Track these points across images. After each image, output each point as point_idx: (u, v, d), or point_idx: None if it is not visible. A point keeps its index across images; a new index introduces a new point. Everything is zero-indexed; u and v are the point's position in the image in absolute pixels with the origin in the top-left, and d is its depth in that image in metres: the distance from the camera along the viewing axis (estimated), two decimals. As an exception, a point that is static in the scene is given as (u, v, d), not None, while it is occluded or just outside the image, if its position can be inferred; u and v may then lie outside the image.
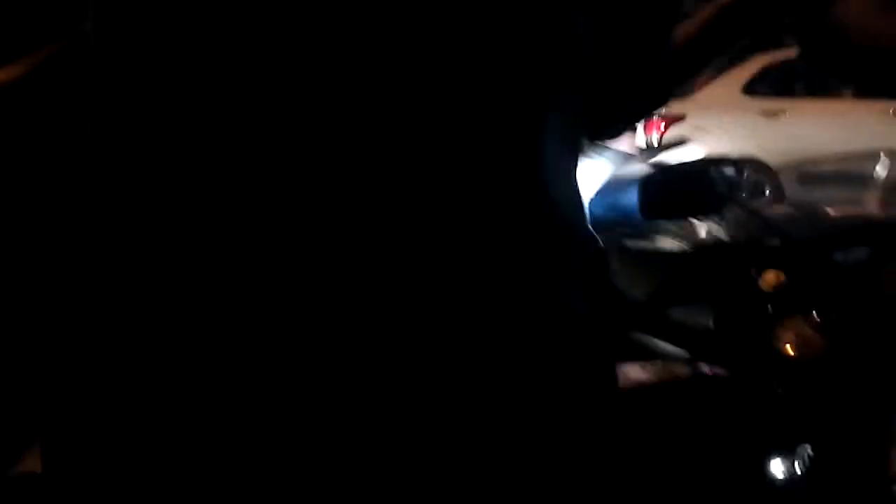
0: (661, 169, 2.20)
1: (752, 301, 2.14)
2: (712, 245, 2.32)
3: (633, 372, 2.29)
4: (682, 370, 2.25)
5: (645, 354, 2.40)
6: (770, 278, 2.11)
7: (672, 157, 4.97)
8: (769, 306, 2.11)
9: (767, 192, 7.56)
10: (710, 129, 8.55)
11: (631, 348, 2.41)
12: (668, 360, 2.32)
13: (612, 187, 2.65)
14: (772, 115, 8.73)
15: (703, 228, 2.41)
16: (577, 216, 1.05)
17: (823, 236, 2.15)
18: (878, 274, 1.97)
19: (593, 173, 2.68)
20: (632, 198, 2.36)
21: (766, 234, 2.22)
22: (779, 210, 2.31)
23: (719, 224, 2.31)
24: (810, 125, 8.38)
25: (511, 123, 0.95)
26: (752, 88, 8.95)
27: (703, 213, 2.28)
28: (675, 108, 8.25)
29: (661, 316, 2.41)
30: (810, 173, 7.78)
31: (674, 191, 2.24)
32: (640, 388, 2.28)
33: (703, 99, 8.75)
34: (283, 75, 0.92)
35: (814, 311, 2.06)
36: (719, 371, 2.22)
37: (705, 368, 2.25)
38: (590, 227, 1.08)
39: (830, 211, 2.29)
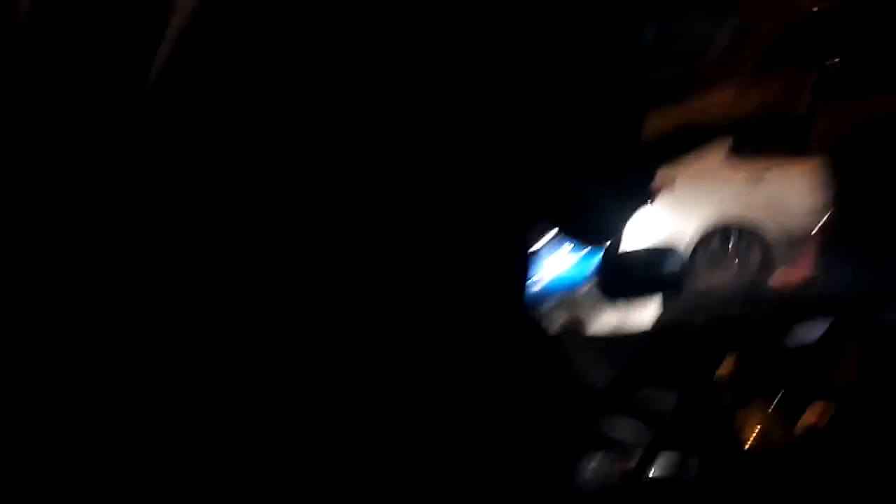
0: (620, 247, 2.15)
1: (710, 387, 2.09)
2: (669, 329, 2.27)
3: (598, 467, 2.23)
4: (644, 462, 2.19)
5: (606, 442, 2.34)
6: (727, 363, 2.06)
7: (651, 226, 4.91)
8: (728, 392, 2.06)
9: (756, 258, 7.55)
10: (699, 194, 8.56)
11: (592, 435, 2.35)
12: (630, 448, 2.26)
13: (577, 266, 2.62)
14: (758, 177, 8.72)
15: (659, 311, 2.36)
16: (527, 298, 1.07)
17: (777, 316, 2.10)
18: (833, 357, 1.91)
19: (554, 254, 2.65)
20: (590, 277, 2.33)
21: (723, 316, 2.17)
22: (735, 289, 2.25)
23: (676, 306, 2.27)
24: (796, 186, 8.38)
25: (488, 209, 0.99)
26: (739, 150, 8.96)
27: (660, 294, 2.23)
28: (662, 174, 8.27)
29: (622, 402, 2.35)
30: (796, 236, 7.78)
31: (632, 270, 2.20)
32: (607, 485, 2.22)
33: (691, 163, 8.77)
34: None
35: (774, 397, 2.00)
36: (683, 461, 2.16)
37: (669, 458, 2.18)
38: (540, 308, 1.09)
39: (784, 285, 2.24)
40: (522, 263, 1.09)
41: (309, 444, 0.95)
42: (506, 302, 1.04)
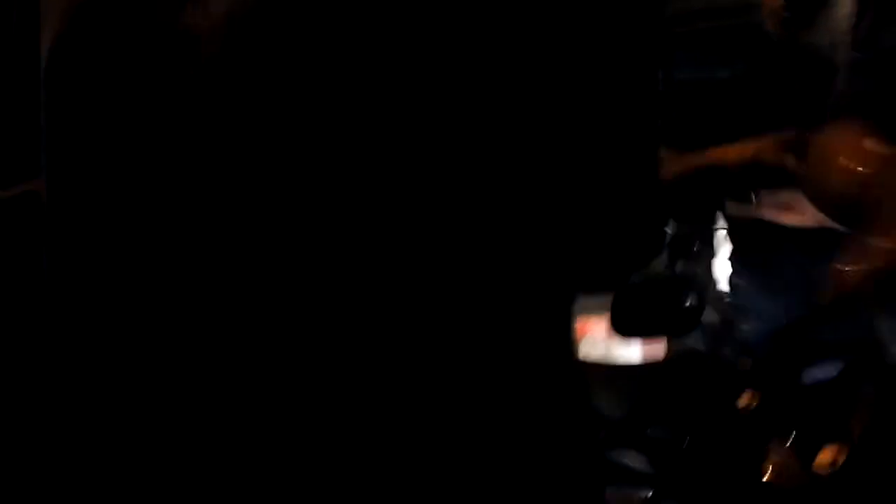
0: (633, 284, 2.13)
1: (727, 423, 2.09)
2: (685, 364, 2.27)
3: (613, 497, 2.24)
4: (660, 493, 2.19)
5: (621, 473, 2.34)
6: (744, 400, 2.06)
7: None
8: (745, 429, 2.06)
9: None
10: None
11: (607, 467, 2.35)
12: (646, 479, 2.26)
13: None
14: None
15: (676, 345, 2.36)
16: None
17: (796, 354, 2.10)
18: (848, 398, 1.91)
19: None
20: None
21: (740, 353, 2.17)
22: (753, 326, 2.25)
23: (693, 342, 2.26)
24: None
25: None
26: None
27: (676, 332, 2.23)
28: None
29: (638, 434, 2.36)
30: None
31: (646, 308, 2.18)
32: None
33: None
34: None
35: (791, 435, 2.00)
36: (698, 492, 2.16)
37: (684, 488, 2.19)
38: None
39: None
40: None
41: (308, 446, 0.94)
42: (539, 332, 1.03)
